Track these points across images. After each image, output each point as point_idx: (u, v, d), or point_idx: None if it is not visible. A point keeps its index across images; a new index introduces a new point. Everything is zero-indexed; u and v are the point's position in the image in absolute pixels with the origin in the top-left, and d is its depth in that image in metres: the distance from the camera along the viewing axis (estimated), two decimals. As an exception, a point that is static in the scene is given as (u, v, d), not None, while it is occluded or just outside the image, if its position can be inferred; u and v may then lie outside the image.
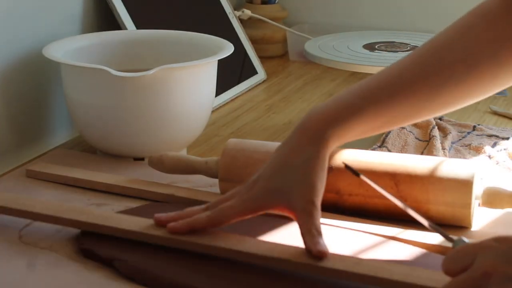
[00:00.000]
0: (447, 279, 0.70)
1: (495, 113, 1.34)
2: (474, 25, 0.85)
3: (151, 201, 0.97)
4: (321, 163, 0.82)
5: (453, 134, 1.20)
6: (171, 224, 0.82)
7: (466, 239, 0.74)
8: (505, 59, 0.84)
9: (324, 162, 0.82)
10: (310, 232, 0.78)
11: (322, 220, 0.81)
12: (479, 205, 0.92)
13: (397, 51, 1.33)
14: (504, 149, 1.13)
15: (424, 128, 1.20)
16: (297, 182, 0.81)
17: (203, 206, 0.84)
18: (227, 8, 1.54)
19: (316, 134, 0.83)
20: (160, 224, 0.83)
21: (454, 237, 0.76)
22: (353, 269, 0.76)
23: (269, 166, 0.83)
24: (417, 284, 0.73)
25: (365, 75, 1.52)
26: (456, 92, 0.85)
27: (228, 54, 1.12)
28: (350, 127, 0.84)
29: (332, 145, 0.84)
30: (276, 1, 1.71)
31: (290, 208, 0.80)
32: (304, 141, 0.83)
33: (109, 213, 0.88)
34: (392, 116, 0.85)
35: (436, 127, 1.19)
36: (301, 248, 0.79)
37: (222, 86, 1.35)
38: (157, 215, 0.84)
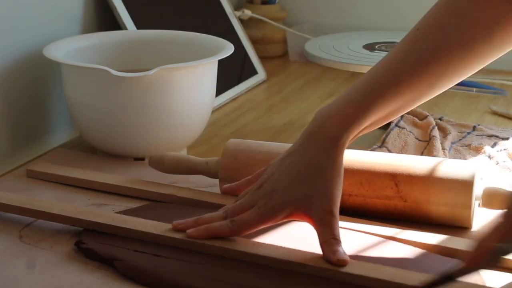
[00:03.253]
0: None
1: (495, 113, 1.34)
2: (465, 6, 0.84)
3: (151, 201, 0.97)
4: (338, 170, 0.82)
5: (453, 134, 1.20)
6: (191, 230, 0.83)
7: None
8: (499, 35, 0.83)
9: (341, 168, 0.83)
10: (329, 241, 0.80)
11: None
12: (479, 205, 0.92)
13: (397, 51, 1.33)
14: (504, 149, 1.13)
15: (424, 128, 1.20)
16: (314, 193, 0.81)
17: (220, 212, 0.85)
18: (227, 8, 1.54)
19: (330, 141, 0.83)
20: (178, 230, 0.85)
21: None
22: (370, 274, 0.76)
23: (283, 175, 0.83)
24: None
25: (365, 75, 1.52)
26: (459, 70, 0.85)
27: (228, 54, 1.12)
28: (361, 125, 0.84)
29: (346, 146, 0.84)
30: (276, 1, 1.71)
31: (308, 217, 0.82)
32: (318, 149, 0.83)
33: (125, 216, 0.89)
34: (398, 106, 0.85)
35: (436, 127, 1.19)
36: (317, 254, 0.80)
37: (222, 86, 1.35)
38: (176, 222, 0.85)
